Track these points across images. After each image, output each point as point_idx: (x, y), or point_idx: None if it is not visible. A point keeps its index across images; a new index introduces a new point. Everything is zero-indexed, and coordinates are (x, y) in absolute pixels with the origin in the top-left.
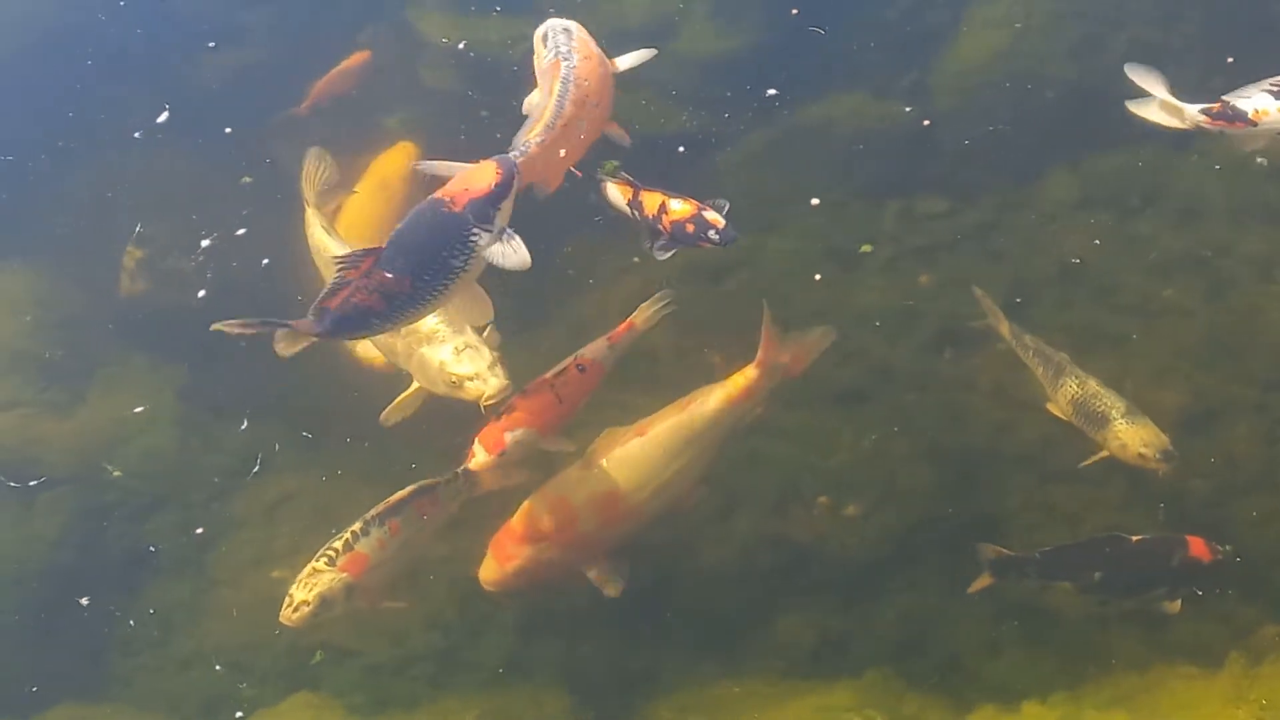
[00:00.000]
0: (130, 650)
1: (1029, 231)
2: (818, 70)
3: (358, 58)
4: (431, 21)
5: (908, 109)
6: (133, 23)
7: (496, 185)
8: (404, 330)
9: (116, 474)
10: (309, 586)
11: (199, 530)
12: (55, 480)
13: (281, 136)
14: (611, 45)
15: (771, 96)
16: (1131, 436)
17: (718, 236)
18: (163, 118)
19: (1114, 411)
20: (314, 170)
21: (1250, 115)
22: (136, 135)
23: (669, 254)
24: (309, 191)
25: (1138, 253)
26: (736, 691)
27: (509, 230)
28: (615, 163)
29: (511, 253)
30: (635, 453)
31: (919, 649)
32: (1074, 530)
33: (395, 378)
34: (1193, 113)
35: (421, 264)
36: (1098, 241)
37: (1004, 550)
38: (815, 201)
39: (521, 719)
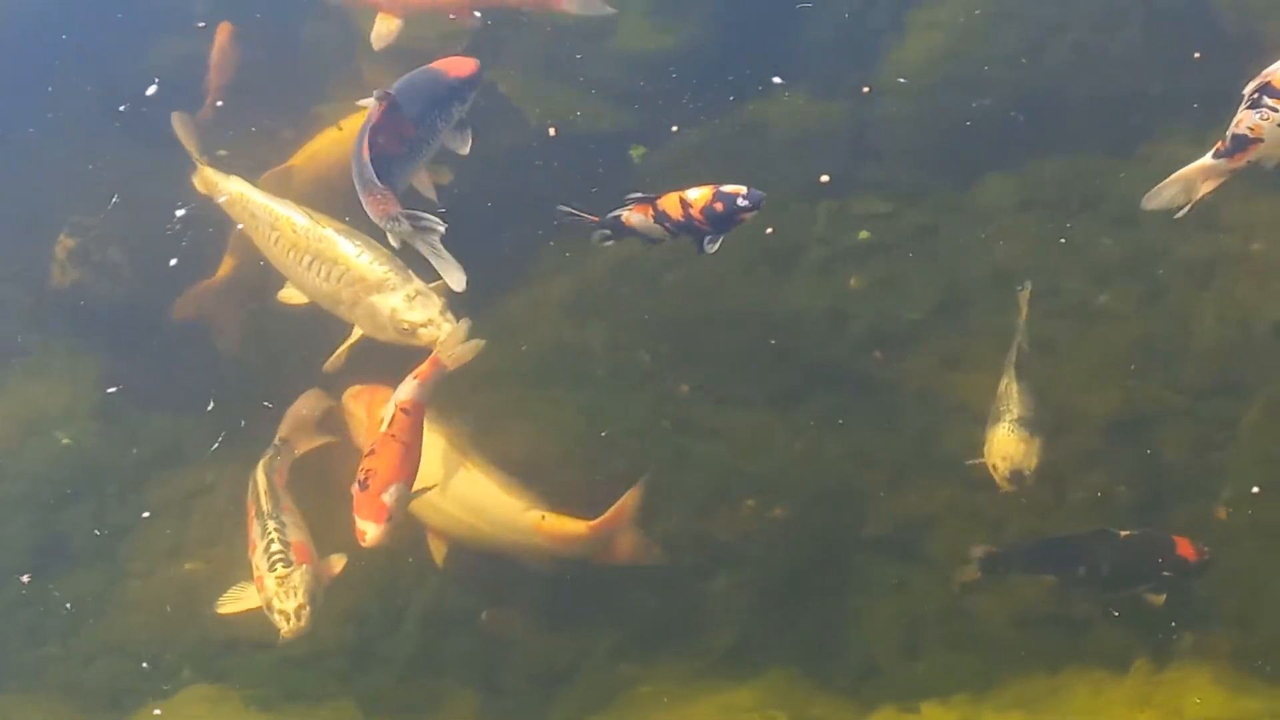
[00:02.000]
0: (37, 640)
1: (966, 235)
2: (757, 69)
3: (223, 31)
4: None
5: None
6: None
7: (477, 70)
8: (349, 279)
9: (66, 441)
10: (291, 593)
11: (145, 514)
12: None
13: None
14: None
15: (707, 94)
16: (998, 444)
17: (747, 202)
18: (151, 90)
19: (1006, 416)
20: (184, 131)
21: (1250, 134)
22: (121, 109)
23: (718, 244)
24: (193, 150)
25: (1075, 258)
26: (646, 691)
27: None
28: (642, 148)
29: (462, 142)
30: (457, 470)
31: (838, 652)
32: (997, 535)
33: (317, 331)
34: (1212, 162)
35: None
36: (1035, 246)
37: (992, 549)
38: (825, 178)
39: (429, 715)
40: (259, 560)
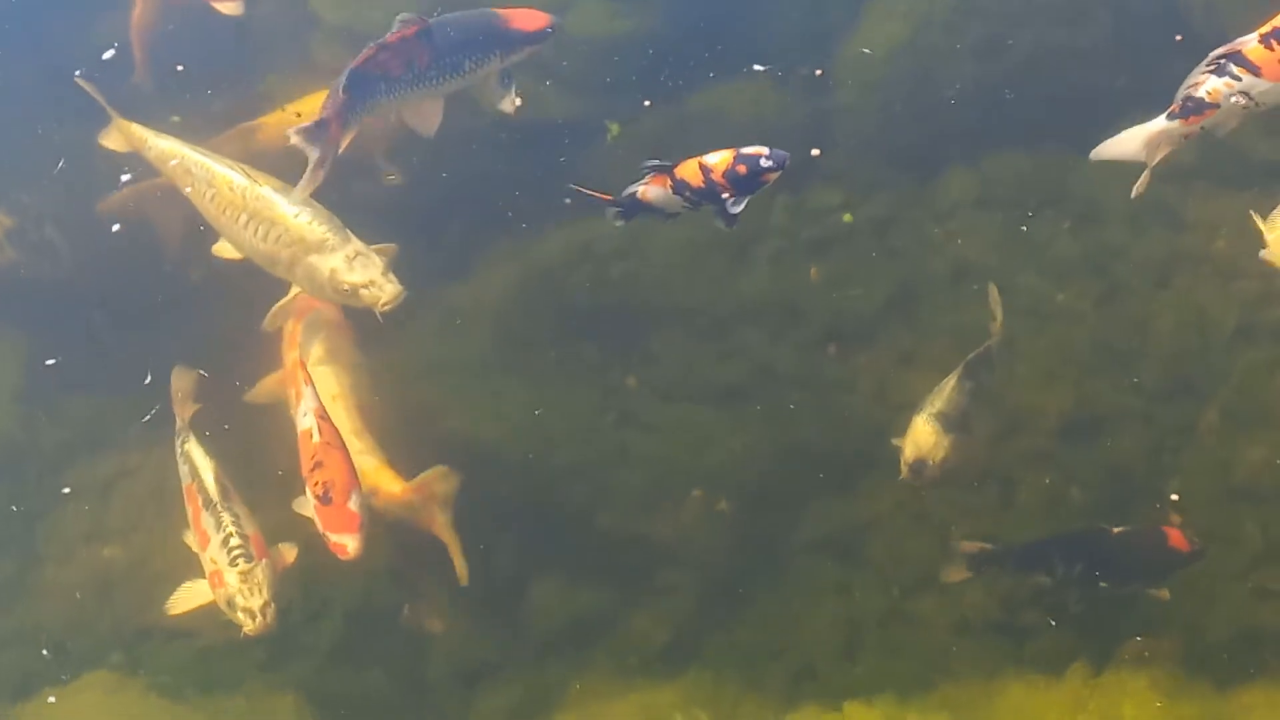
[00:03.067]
0: None
1: (924, 230)
2: (713, 57)
3: None
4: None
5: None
6: None
7: (545, 28)
8: (288, 240)
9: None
10: (256, 590)
11: (65, 489)
12: None
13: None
14: None
15: (663, 82)
16: (909, 432)
17: (771, 163)
18: (109, 55)
19: (927, 408)
20: (93, 91)
21: (1207, 99)
22: (77, 74)
23: (744, 205)
24: (109, 108)
25: (1033, 255)
26: (575, 689)
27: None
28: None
29: (505, 99)
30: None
31: (775, 654)
32: (942, 538)
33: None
34: (1166, 125)
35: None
36: (993, 242)
37: (984, 545)
38: (816, 152)
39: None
40: (216, 555)
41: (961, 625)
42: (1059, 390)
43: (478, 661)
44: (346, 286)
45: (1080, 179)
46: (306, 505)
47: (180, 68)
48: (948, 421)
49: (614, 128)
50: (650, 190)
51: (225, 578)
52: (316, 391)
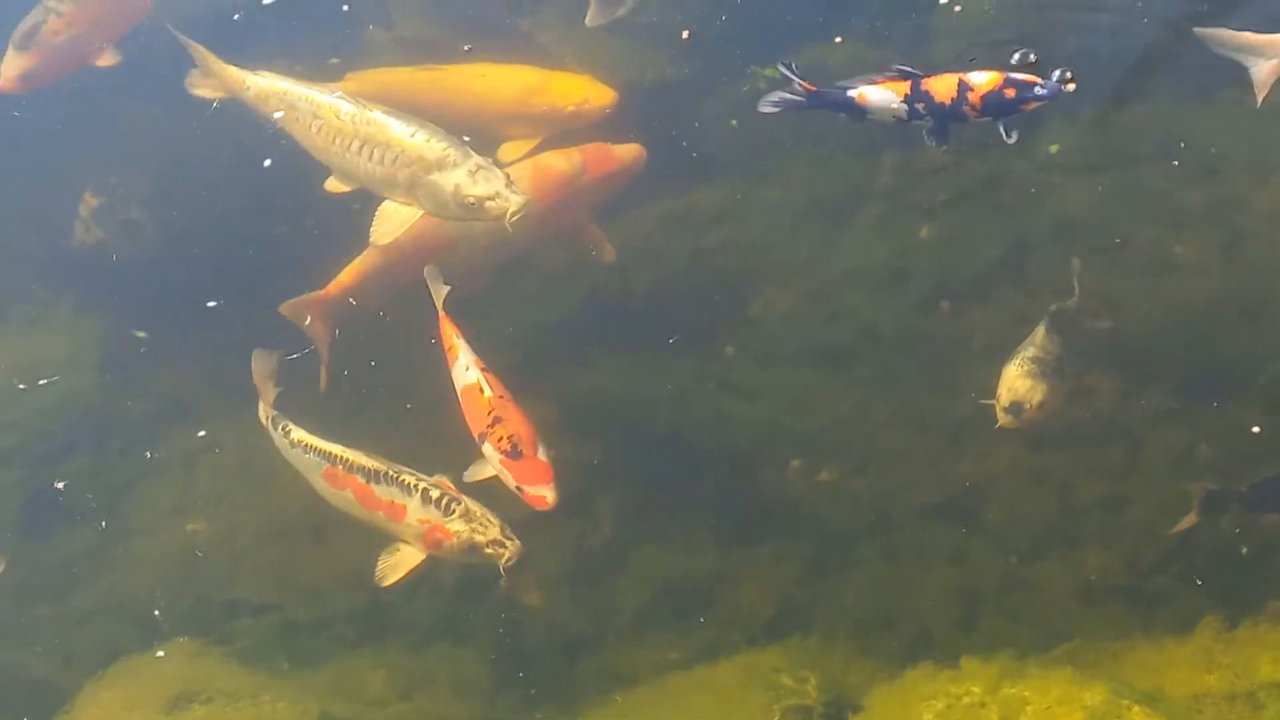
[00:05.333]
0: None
1: (1035, 185)
2: (813, 13)
3: None
4: None
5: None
6: None
7: None
8: (406, 160)
9: (141, 335)
10: (487, 522)
11: (200, 434)
12: None
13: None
14: None
15: (764, 40)
16: (1004, 378)
17: (1045, 92)
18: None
19: (1021, 354)
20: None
21: None
22: (236, 18)
23: (1013, 139)
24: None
25: (1150, 207)
26: (674, 658)
27: None
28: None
29: None
30: None
31: (887, 622)
32: (1063, 499)
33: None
34: None
35: None
36: (1106, 195)
37: (1209, 486)
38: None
39: (435, 683)
40: (424, 514)
41: (1085, 593)
42: (1178, 347)
43: (577, 633)
44: (472, 200)
45: (1200, 128)
46: (484, 469)
47: (346, 7)
48: (1042, 365)
49: (769, 71)
50: (874, 93)
51: (450, 528)
52: (469, 342)
